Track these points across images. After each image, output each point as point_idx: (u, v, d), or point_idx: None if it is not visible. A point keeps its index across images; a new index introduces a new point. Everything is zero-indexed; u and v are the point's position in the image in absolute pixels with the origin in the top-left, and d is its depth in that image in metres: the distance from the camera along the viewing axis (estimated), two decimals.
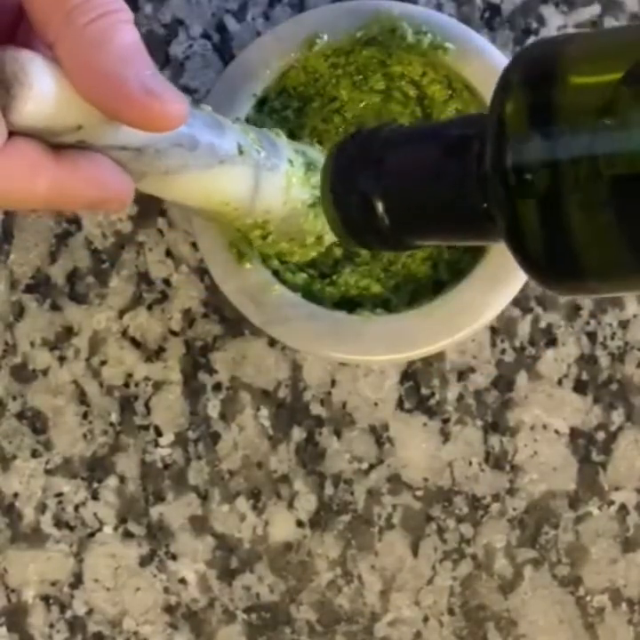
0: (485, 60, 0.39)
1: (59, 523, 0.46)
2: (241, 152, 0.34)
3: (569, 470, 0.45)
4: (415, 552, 0.45)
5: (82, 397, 0.46)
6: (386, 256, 0.40)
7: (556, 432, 0.45)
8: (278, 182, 0.35)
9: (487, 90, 0.39)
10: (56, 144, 0.29)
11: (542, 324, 0.45)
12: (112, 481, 0.46)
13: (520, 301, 0.45)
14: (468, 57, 0.39)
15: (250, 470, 0.46)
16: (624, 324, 0.45)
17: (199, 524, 0.46)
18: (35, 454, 0.46)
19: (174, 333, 0.46)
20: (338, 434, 0.45)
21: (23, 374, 0.47)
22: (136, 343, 0.46)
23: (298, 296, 0.39)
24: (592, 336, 0.45)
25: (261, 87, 0.40)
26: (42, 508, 0.46)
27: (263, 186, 0.35)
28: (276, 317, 0.39)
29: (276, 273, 0.39)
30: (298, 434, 0.46)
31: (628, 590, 0.44)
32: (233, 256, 0.39)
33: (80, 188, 0.30)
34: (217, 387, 0.46)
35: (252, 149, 0.34)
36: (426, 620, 0.45)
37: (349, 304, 0.40)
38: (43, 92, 0.27)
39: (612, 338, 0.45)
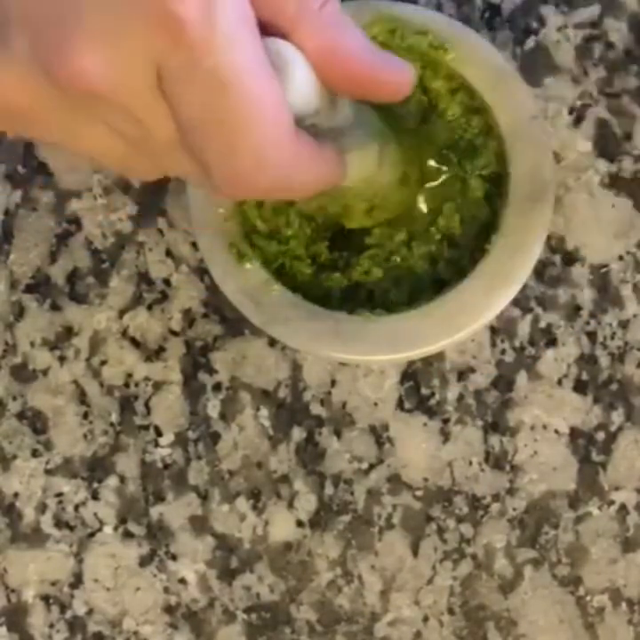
0: (485, 61, 0.39)
1: (59, 523, 0.46)
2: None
3: (569, 470, 0.45)
4: (415, 552, 0.45)
5: (82, 397, 0.46)
6: (388, 246, 0.40)
7: (556, 432, 0.45)
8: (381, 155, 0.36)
9: (487, 90, 0.39)
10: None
11: (542, 324, 0.45)
12: (112, 481, 0.46)
13: (520, 301, 0.45)
14: (469, 57, 0.39)
15: (250, 470, 0.46)
16: (624, 324, 0.45)
17: (199, 524, 0.46)
18: (35, 454, 0.46)
19: (174, 333, 0.46)
20: (338, 434, 0.45)
21: (23, 374, 0.47)
22: (136, 343, 0.46)
23: (298, 296, 0.39)
24: (592, 336, 0.45)
25: None
26: (42, 507, 0.46)
27: (384, 159, 0.36)
28: (277, 317, 0.39)
29: (281, 266, 0.39)
30: (298, 434, 0.46)
31: (627, 590, 0.44)
32: (233, 256, 0.39)
33: (321, 173, 0.31)
34: (217, 387, 0.46)
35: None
36: (426, 619, 0.45)
37: (353, 292, 0.39)
38: (302, 80, 0.29)
39: (612, 338, 0.45)
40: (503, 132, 0.38)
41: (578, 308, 0.45)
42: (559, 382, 0.45)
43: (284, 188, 0.30)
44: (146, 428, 0.46)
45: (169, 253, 0.47)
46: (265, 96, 0.27)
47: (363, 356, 0.39)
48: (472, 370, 0.45)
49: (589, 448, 0.45)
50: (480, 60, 0.39)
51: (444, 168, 0.39)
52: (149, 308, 0.47)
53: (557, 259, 0.45)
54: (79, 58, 0.25)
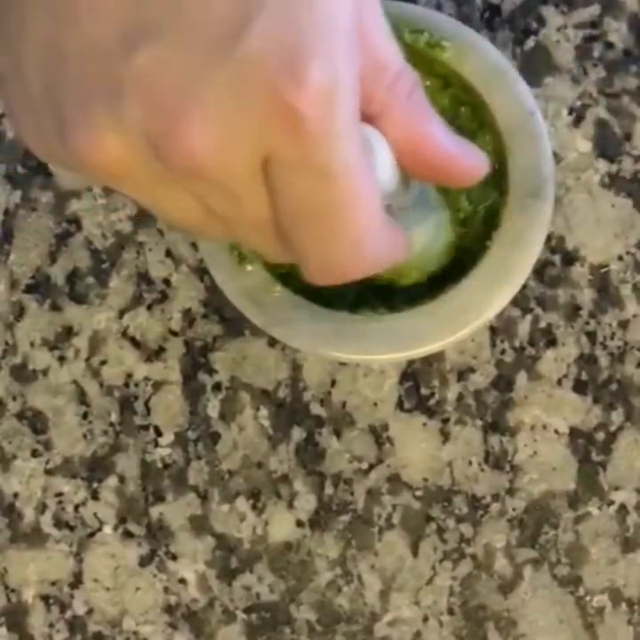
0: (484, 59, 0.39)
1: (59, 523, 0.46)
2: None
3: (569, 470, 0.45)
4: (415, 552, 0.45)
5: (82, 397, 0.46)
6: None
7: (556, 432, 0.45)
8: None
9: (485, 88, 0.39)
10: None
11: (542, 324, 0.45)
12: (112, 481, 0.46)
13: (520, 301, 0.45)
14: (465, 55, 0.39)
15: (250, 470, 0.46)
16: (624, 324, 0.45)
17: (199, 524, 0.46)
18: (35, 454, 0.46)
19: (174, 333, 0.46)
20: (338, 434, 0.46)
21: (23, 374, 0.47)
22: (136, 343, 0.46)
23: (299, 297, 0.39)
24: (592, 336, 0.45)
25: None
26: (42, 507, 0.46)
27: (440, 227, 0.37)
28: (278, 318, 0.39)
29: (288, 271, 0.39)
30: (298, 434, 0.46)
31: (627, 590, 0.44)
32: (234, 258, 0.39)
33: (397, 254, 0.31)
34: (217, 387, 0.46)
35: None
36: (426, 619, 0.45)
37: (362, 292, 0.40)
38: (386, 166, 0.30)
39: (612, 338, 0.45)
40: (501, 128, 0.38)
41: (578, 308, 0.45)
42: (559, 382, 0.45)
43: (370, 272, 0.30)
44: (146, 428, 0.46)
45: (169, 253, 0.47)
46: (367, 188, 0.28)
47: (365, 356, 0.39)
48: (472, 370, 0.45)
49: (589, 448, 0.45)
50: (477, 58, 0.39)
51: None
52: (149, 307, 0.47)
53: (557, 259, 0.45)
54: (191, 138, 0.25)
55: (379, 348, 0.38)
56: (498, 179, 0.39)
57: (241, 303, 0.39)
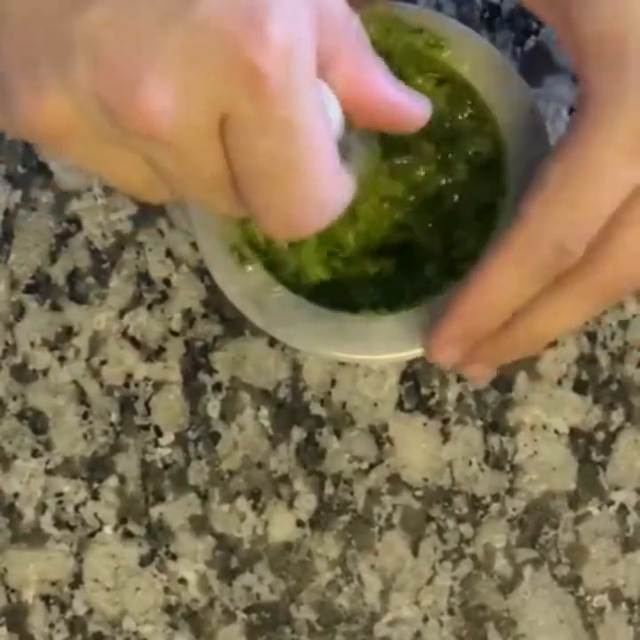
0: (482, 58, 0.39)
1: (59, 523, 0.46)
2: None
3: (569, 470, 0.45)
4: (415, 552, 0.45)
5: (82, 397, 0.46)
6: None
7: (556, 432, 0.45)
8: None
9: (485, 87, 0.39)
10: None
11: None
12: (112, 481, 0.46)
13: None
14: (465, 54, 0.39)
15: (250, 470, 0.46)
16: (624, 324, 0.45)
17: (199, 524, 0.46)
18: (35, 454, 0.46)
19: (174, 333, 0.46)
20: (338, 434, 0.45)
21: (23, 374, 0.47)
22: (136, 343, 0.46)
23: (300, 297, 0.39)
24: (592, 336, 0.45)
25: None
26: (42, 507, 0.46)
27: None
28: (279, 319, 0.39)
29: (294, 272, 0.39)
30: (298, 434, 0.46)
31: (627, 590, 0.44)
32: (234, 259, 0.39)
33: (347, 197, 0.31)
34: (217, 387, 0.46)
35: None
36: (426, 619, 0.45)
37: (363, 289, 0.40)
38: (336, 118, 0.30)
39: (612, 338, 0.45)
40: (501, 127, 0.38)
41: None
42: (559, 382, 0.45)
43: (329, 220, 0.30)
44: (146, 427, 0.46)
45: (169, 253, 0.47)
46: (326, 141, 0.28)
47: (366, 356, 0.39)
48: None
49: (589, 448, 0.45)
50: (476, 57, 0.39)
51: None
52: (149, 307, 0.47)
53: None
54: (147, 101, 0.25)
55: (380, 349, 0.38)
56: (496, 178, 0.39)
57: (241, 304, 0.39)
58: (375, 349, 0.38)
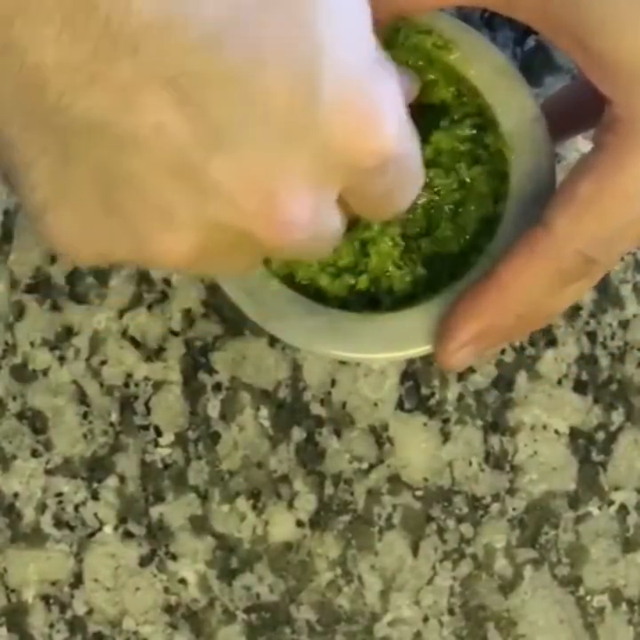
0: (489, 62, 0.39)
1: (59, 523, 0.46)
2: None
3: (569, 470, 0.45)
4: (415, 552, 0.45)
5: (82, 397, 0.46)
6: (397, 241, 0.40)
7: (556, 432, 0.45)
8: None
9: (490, 91, 0.39)
10: None
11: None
12: (112, 481, 0.46)
13: None
14: (472, 58, 0.39)
15: (250, 470, 0.46)
16: (624, 324, 0.45)
17: (199, 524, 0.46)
18: (35, 454, 0.46)
19: (174, 333, 0.46)
20: (338, 434, 0.45)
21: (23, 374, 0.47)
22: (136, 343, 0.46)
23: (296, 293, 0.39)
24: (592, 336, 0.45)
25: None
26: (42, 507, 0.46)
27: None
28: (274, 313, 0.39)
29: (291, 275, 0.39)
30: (298, 434, 0.46)
31: (627, 590, 0.44)
32: None
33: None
34: (217, 387, 0.46)
35: None
36: (426, 619, 0.45)
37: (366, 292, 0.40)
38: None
39: (612, 338, 0.45)
40: (504, 132, 0.38)
41: (578, 308, 0.45)
42: (559, 382, 0.45)
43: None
44: (146, 428, 0.46)
45: None
46: (415, 142, 0.31)
47: (360, 354, 0.39)
48: (472, 370, 0.45)
49: (589, 448, 0.45)
50: (483, 61, 0.39)
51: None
52: (149, 307, 0.47)
53: None
54: (286, 214, 0.26)
55: (375, 347, 0.38)
56: (497, 181, 0.39)
57: (237, 297, 0.39)
58: (369, 348, 0.38)
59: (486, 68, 0.39)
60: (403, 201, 0.31)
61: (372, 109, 0.26)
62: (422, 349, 0.39)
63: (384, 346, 0.38)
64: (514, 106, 0.38)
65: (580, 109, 0.40)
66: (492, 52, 0.39)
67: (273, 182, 0.26)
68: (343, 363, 0.45)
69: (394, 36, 0.39)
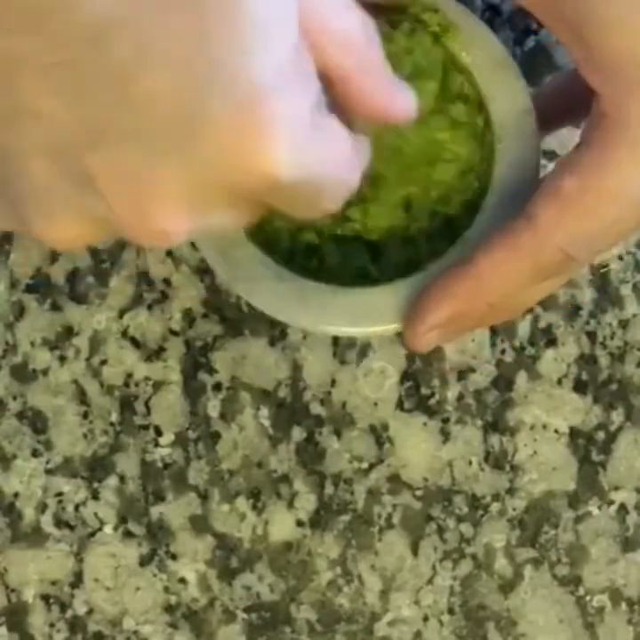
0: (487, 50, 0.39)
1: (59, 522, 0.46)
2: None
3: (569, 470, 0.45)
4: (415, 552, 0.45)
5: (82, 397, 0.46)
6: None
7: (556, 432, 0.45)
8: None
9: (485, 80, 0.39)
10: None
11: (542, 324, 0.45)
12: (112, 481, 0.46)
13: None
14: (472, 45, 0.39)
15: (250, 470, 0.46)
16: (624, 324, 0.45)
17: (199, 524, 0.46)
18: (35, 454, 0.46)
19: (174, 333, 0.46)
20: (338, 434, 0.46)
21: (23, 374, 0.47)
22: (136, 343, 0.46)
23: (268, 257, 0.38)
24: (592, 336, 0.45)
25: None
26: (42, 507, 0.46)
27: None
28: (244, 275, 0.38)
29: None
30: (298, 434, 0.46)
31: (627, 590, 0.44)
32: None
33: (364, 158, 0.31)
34: (217, 387, 0.46)
35: None
36: (426, 619, 0.45)
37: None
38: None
39: (612, 338, 0.45)
40: (493, 122, 0.38)
41: (578, 308, 0.45)
42: (559, 382, 0.45)
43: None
44: (146, 427, 0.46)
45: (169, 253, 0.47)
46: (338, 153, 0.28)
47: (326, 326, 0.38)
48: (472, 370, 0.45)
49: (589, 448, 0.45)
50: (482, 49, 0.39)
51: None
52: (149, 307, 0.47)
53: None
54: (163, 224, 0.25)
55: (341, 321, 0.38)
56: (481, 171, 0.39)
57: (210, 256, 0.39)
58: (336, 321, 0.38)
59: (485, 58, 0.39)
60: (321, 210, 0.29)
61: (262, 129, 0.24)
62: (389, 327, 0.38)
63: (351, 320, 0.38)
64: (506, 96, 0.38)
65: (568, 102, 0.40)
66: (491, 42, 0.39)
67: (148, 189, 0.25)
68: (343, 362, 0.45)
69: (400, 12, 0.39)
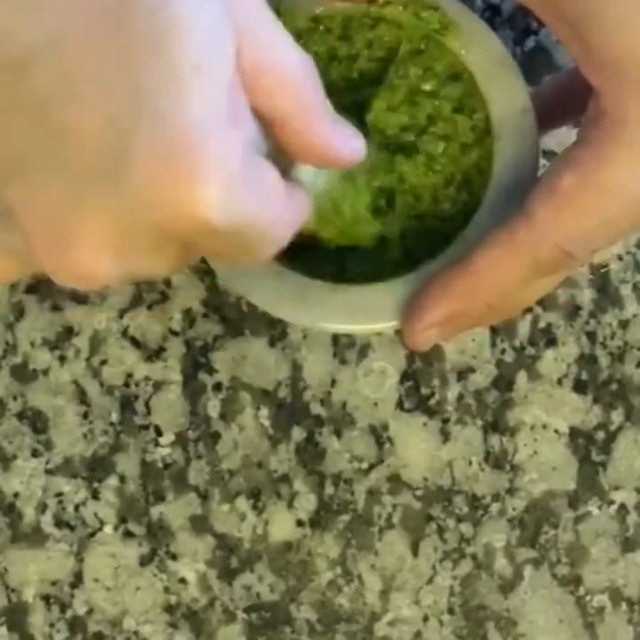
0: (486, 49, 0.39)
1: (59, 522, 0.46)
2: None
3: (569, 470, 0.45)
4: (415, 552, 0.45)
5: (82, 397, 0.46)
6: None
7: (556, 432, 0.45)
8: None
9: (485, 79, 0.39)
10: None
11: (542, 324, 0.45)
12: (112, 481, 0.46)
13: None
14: (471, 43, 0.39)
15: (250, 470, 0.46)
16: (624, 324, 0.45)
17: (199, 524, 0.46)
18: (35, 454, 0.46)
19: (174, 333, 0.46)
20: (338, 434, 0.46)
21: (24, 374, 0.47)
22: (136, 343, 0.46)
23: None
24: (592, 336, 0.45)
25: None
26: (42, 507, 0.46)
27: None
28: (244, 273, 0.38)
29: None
30: (298, 434, 0.46)
31: (627, 590, 0.44)
32: None
33: (302, 214, 0.30)
34: (217, 387, 0.46)
35: None
36: (426, 619, 0.45)
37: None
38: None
39: (612, 338, 0.45)
40: (492, 120, 0.38)
41: (578, 308, 0.45)
42: (559, 382, 0.45)
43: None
44: (146, 427, 0.46)
45: None
46: (271, 209, 0.26)
47: (325, 324, 0.38)
48: (472, 370, 0.45)
49: (589, 448, 0.45)
50: (482, 48, 0.39)
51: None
52: (149, 307, 0.47)
53: None
54: (83, 266, 0.24)
55: (339, 318, 0.38)
56: (480, 170, 0.39)
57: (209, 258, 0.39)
58: (334, 318, 0.38)
59: (485, 56, 0.39)
60: (251, 259, 0.27)
61: (191, 171, 0.23)
62: (388, 325, 0.38)
63: (349, 317, 0.38)
64: (505, 95, 0.38)
65: (567, 101, 0.40)
66: (491, 41, 0.39)
67: (69, 227, 0.24)
68: (343, 362, 0.45)
69: (402, 11, 0.39)
